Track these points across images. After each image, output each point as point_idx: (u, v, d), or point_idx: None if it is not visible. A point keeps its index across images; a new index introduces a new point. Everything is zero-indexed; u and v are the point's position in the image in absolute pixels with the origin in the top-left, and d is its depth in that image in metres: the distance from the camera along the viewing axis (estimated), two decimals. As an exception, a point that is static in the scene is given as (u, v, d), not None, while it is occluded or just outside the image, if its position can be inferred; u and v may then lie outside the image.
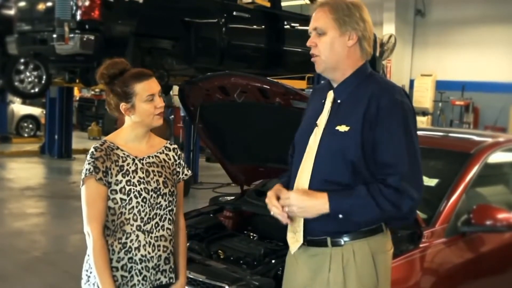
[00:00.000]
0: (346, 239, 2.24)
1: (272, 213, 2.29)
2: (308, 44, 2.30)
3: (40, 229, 7.38)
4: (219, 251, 3.36)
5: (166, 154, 2.57)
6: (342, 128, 2.21)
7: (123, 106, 2.42)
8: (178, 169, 2.59)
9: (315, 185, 2.24)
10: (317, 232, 2.26)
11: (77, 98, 19.32)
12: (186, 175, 2.61)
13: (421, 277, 2.96)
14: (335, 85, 2.33)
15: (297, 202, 2.20)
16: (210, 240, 3.50)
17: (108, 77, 2.43)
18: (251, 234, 3.74)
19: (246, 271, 3.03)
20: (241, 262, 3.22)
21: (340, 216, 2.16)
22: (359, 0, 2.29)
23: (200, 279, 2.94)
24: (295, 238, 2.32)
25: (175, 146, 2.65)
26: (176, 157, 2.60)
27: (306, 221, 2.26)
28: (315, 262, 2.28)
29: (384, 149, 2.16)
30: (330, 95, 2.32)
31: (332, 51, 2.25)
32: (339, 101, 2.29)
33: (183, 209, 2.67)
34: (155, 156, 2.53)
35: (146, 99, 2.41)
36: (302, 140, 2.34)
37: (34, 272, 5.61)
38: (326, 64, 2.28)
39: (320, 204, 2.16)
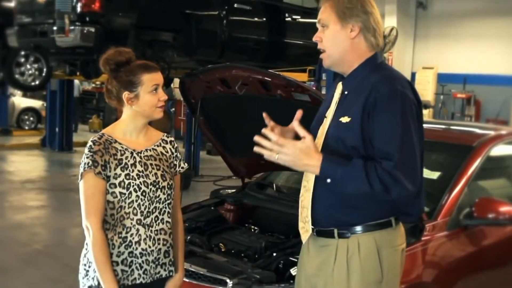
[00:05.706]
0: (352, 231, 2.23)
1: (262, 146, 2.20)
2: (314, 39, 2.32)
3: (41, 222, 7.38)
4: (220, 244, 3.35)
5: (163, 147, 2.56)
6: (344, 119, 2.20)
7: (126, 95, 2.39)
8: (175, 162, 2.57)
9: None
10: (325, 223, 2.26)
11: (78, 91, 19.30)
12: (182, 168, 2.59)
13: (423, 270, 2.95)
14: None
15: (290, 151, 2.13)
16: (211, 233, 3.49)
17: (114, 64, 2.39)
18: (252, 227, 3.73)
19: (247, 264, 3.03)
20: (242, 255, 3.22)
21: (328, 180, 2.13)
22: None
23: (201, 272, 2.94)
24: (305, 228, 2.34)
25: (172, 138, 2.62)
26: (173, 150, 2.58)
27: (314, 211, 2.26)
28: (323, 252, 2.29)
29: (379, 136, 2.13)
30: (339, 86, 2.33)
31: (334, 44, 2.26)
32: (346, 92, 2.29)
33: (180, 202, 2.66)
34: (153, 149, 2.51)
35: (151, 90, 2.39)
36: (313, 132, 2.33)
37: (35, 265, 5.61)
38: (331, 58, 2.30)
39: (312, 161, 2.11)
